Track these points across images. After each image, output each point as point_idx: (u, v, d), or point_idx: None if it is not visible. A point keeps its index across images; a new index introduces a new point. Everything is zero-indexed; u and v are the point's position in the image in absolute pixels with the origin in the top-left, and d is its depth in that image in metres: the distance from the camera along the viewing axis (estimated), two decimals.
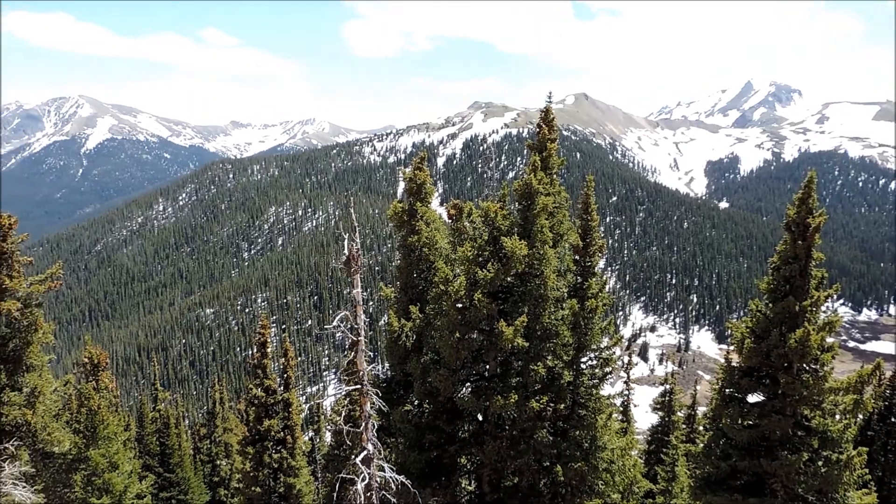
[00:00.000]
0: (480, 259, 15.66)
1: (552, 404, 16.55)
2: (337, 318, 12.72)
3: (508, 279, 15.77)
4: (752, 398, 16.07)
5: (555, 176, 17.09)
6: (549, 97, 17.70)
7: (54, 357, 19.89)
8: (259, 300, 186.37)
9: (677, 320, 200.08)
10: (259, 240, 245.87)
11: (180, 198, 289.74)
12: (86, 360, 22.38)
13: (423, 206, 18.14)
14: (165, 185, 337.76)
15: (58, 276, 19.05)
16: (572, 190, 17.30)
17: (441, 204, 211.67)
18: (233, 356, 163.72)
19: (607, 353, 17.79)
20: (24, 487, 12.86)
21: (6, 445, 13.74)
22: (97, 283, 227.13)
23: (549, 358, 16.20)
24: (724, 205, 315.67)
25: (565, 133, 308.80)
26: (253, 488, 22.78)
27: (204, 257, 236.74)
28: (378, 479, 13.26)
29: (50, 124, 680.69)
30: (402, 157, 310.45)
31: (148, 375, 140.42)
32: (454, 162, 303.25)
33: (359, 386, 13.09)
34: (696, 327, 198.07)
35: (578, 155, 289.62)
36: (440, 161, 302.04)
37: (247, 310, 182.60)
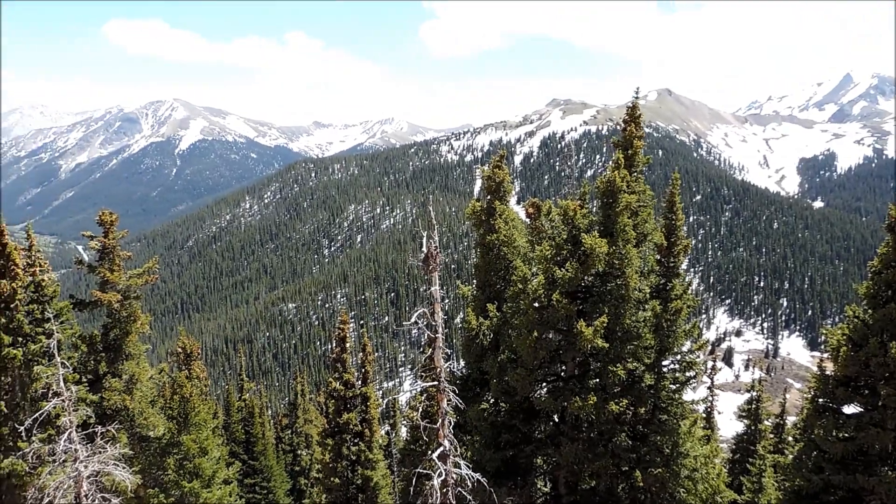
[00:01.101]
0: (559, 258, 15.47)
1: (632, 408, 16.16)
2: (415, 315, 12.87)
3: (588, 279, 15.51)
4: (848, 409, 15.17)
5: (639, 174, 16.69)
6: (636, 93, 17.30)
7: (150, 347, 21.13)
8: (338, 296, 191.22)
9: (765, 325, 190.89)
10: (339, 237, 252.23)
11: (265, 196, 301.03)
12: (179, 350, 23.59)
13: (502, 205, 18.11)
14: (252, 183, 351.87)
15: (154, 270, 20.22)
16: (654, 188, 16.86)
17: (518, 202, 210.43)
18: (313, 350, 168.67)
19: (690, 357, 17.23)
20: (124, 468, 13.73)
21: (108, 428, 14.71)
22: (189, 277, 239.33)
23: (630, 360, 15.82)
24: (818, 204, 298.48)
25: (647, 130, 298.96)
26: (332, 479, 23.41)
27: (287, 253, 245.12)
28: (454, 476, 13.34)
29: (147, 126, 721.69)
30: (479, 155, 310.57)
31: (234, 366, 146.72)
32: (531, 160, 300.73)
33: (436, 383, 13.21)
34: (786, 333, 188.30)
35: (661, 152, 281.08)
36: (517, 159, 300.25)
37: (326, 305, 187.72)
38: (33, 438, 15.82)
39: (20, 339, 17.31)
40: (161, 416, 20.95)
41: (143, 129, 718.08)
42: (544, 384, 16.92)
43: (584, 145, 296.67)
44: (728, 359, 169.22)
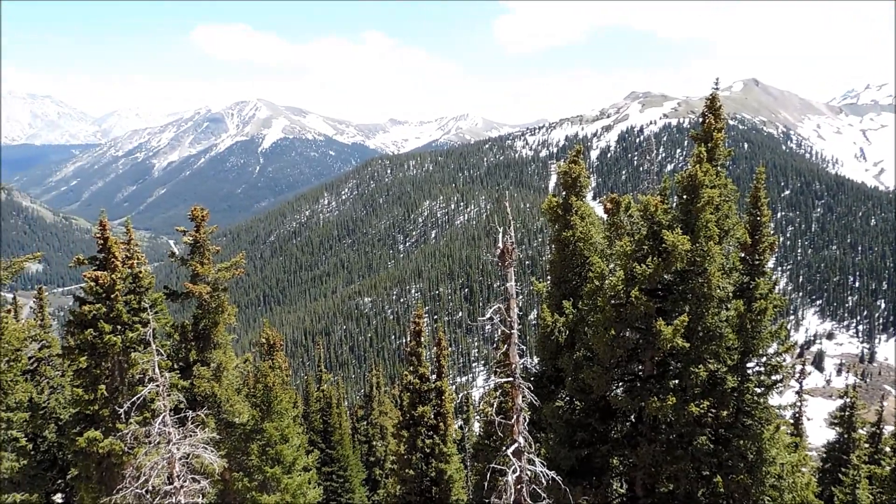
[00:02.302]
0: (638, 254, 15.12)
1: (713, 410, 15.62)
2: (490, 310, 12.90)
3: (668, 276, 15.10)
4: None
5: (720, 168, 16.11)
6: (716, 83, 16.68)
7: (235, 337, 22.10)
8: (413, 291, 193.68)
9: (860, 328, 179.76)
10: (413, 232, 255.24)
11: (343, 192, 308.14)
12: (263, 340, 24.54)
13: (578, 201, 17.87)
14: (330, 180, 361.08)
15: (240, 264, 21.13)
16: (739, 183, 16.25)
17: (594, 198, 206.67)
18: (388, 343, 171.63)
19: (776, 359, 16.49)
20: (212, 452, 14.42)
21: (198, 413, 15.49)
22: (270, 271, 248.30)
23: (711, 361, 15.30)
24: None
25: (731, 122, 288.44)
26: (406, 470, 23.78)
27: (363, 249, 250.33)
28: (528, 473, 13.30)
29: (233, 126, 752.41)
30: (555, 150, 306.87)
31: (313, 358, 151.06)
32: (608, 155, 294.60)
33: (510, 379, 13.20)
34: (884, 336, 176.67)
35: (746, 145, 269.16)
36: (593, 154, 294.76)
37: (401, 300, 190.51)
38: (131, 421, 16.87)
39: (119, 327, 18.48)
40: (245, 404, 21.86)
41: (228, 128, 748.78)
42: (621, 383, 16.61)
43: (664, 139, 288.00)
44: (818, 363, 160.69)
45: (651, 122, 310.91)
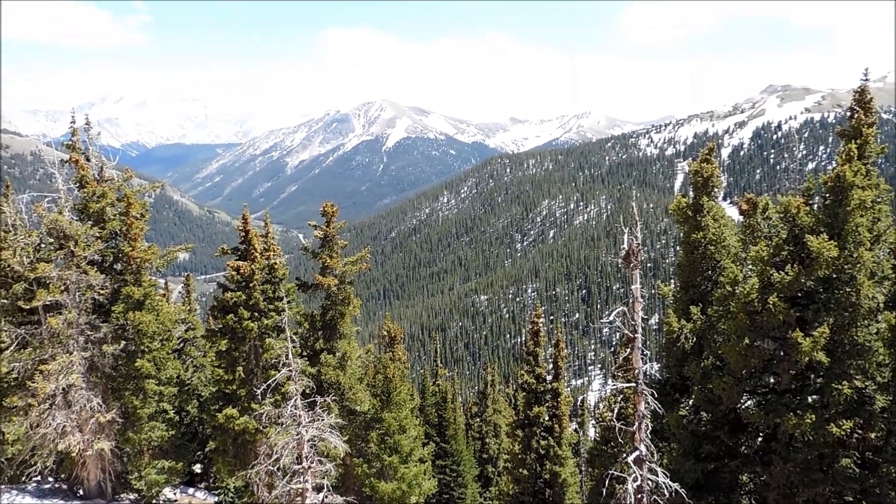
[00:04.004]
0: (777, 259, 14.14)
1: (860, 431, 14.32)
2: (613, 312, 12.60)
3: (810, 283, 14.01)
4: None
5: (871, 166, 14.69)
6: (866, 74, 15.21)
7: (358, 328, 23.07)
8: (529, 290, 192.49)
9: None
10: (531, 232, 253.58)
11: (462, 191, 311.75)
12: (385, 333, 25.39)
13: (710, 201, 17.01)
14: (450, 178, 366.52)
15: (366, 259, 22.00)
16: (893, 182, 14.74)
17: (725, 198, 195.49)
18: (503, 342, 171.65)
19: None
20: (337, 436, 15.13)
21: (325, 399, 16.29)
22: (391, 266, 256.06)
23: (858, 377, 14.02)
24: None
25: (885, 116, 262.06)
26: (520, 470, 23.74)
27: (481, 247, 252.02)
28: (649, 483, 12.86)
29: (359, 126, 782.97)
30: (682, 148, 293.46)
31: (429, 352, 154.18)
32: (741, 153, 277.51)
33: (633, 384, 12.82)
34: None
35: None
36: (724, 152, 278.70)
37: (517, 299, 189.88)
38: (265, 402, 18.03)
39: (256, 313, 19.82)
40: (367, 393, 22.75)
41: (355, 128, 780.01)
42: (753, 395, 15.63)
43: (806, 135, 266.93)
44: None
45: (791, 118, 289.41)
